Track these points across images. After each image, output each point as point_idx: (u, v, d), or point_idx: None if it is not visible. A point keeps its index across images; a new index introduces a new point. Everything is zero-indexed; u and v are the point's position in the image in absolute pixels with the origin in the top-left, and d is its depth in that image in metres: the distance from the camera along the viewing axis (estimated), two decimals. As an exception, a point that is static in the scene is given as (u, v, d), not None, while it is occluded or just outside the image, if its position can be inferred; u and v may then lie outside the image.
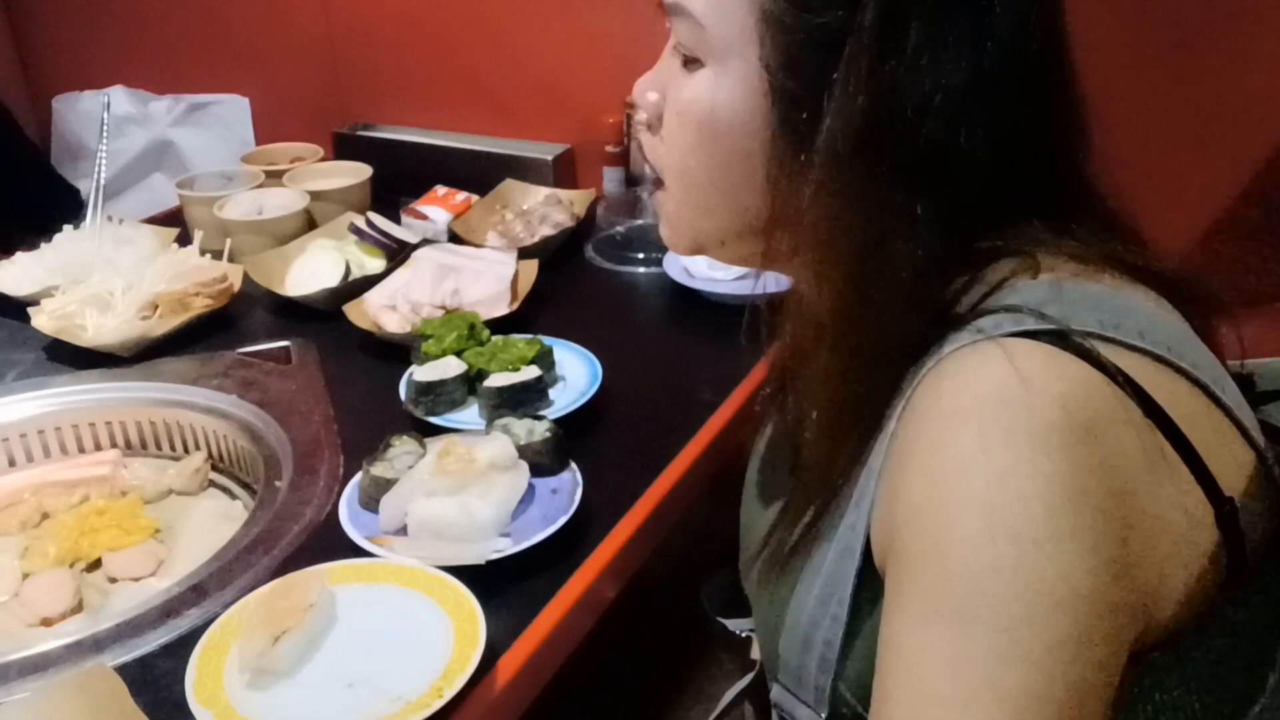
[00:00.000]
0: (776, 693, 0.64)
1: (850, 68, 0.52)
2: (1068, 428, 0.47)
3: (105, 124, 1.46)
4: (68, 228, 1.36)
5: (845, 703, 0.58)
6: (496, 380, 1.00)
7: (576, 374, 1.07)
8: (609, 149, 1.61)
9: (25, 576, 0.91)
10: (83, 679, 0.69)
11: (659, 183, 0.66)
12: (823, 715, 0.59)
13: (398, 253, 1.34)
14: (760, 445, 0.80)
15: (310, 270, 1.31)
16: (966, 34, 0.53)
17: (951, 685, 0.46)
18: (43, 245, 1.33)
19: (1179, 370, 0.52)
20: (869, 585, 0.56)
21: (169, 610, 0.79)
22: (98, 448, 1.09)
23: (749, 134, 0.58)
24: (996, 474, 0.47)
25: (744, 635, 0.89)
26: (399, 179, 1.58)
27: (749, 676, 0.87)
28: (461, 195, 1.53)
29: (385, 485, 0.85)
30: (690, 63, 0.60)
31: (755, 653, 0.90)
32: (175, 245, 1.35)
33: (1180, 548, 0.49)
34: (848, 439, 0.57)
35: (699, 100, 0.59)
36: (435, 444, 0.90)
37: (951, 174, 0.54)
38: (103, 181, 1.40)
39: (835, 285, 0.56)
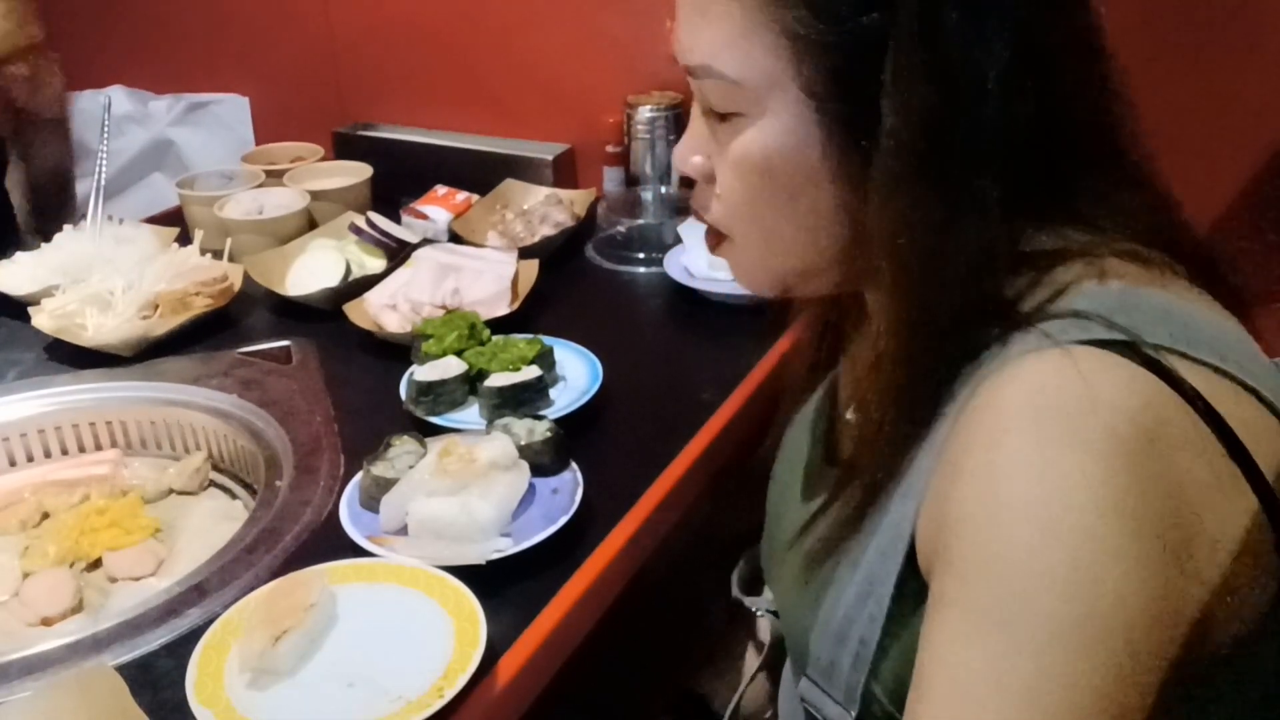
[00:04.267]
0: (805, 687, 0.63)
1: (898, 65, 0.52)
2: (1134, 443, 0.46)
3: (106, 124, 1.46)
4: (68, 228, 1.36)
5: (877, 702, 0.58)
6: (497, 380, 1.00)
7: (577, 374, 1.07)
8: (609, 149, 1.61)
9: (25, 576, 0.91)
10: (83, 678, 0.69)
11: (718, 236, 0.66)
12: (853, 714, 0.59)
13: (398, 252, 1.34)
14: (791, 435, 0.79)
15: (310, 270, 1.31)
16: (1005, 10, 0.52)
17: (990, 694, 0.45)
18: (43, 245, 1.33)
19: (1244, 385, 0.51)
20: (911, 586, 0.55)
21: (169, 610, 0.79)
22: (98, 447, 1.09)
23: (810, 166, 0.57)
24: (1056, 484, 0.46)
25: (759, 614, 0.88)
26: (399, 179, 1.58)
27: (761, 657, 0.87)
28: (461, 195, 1.53)
29: (385, 485, 0.85)
30: (728, 116, 0.59)
31: (763, 633, 0.90)
32: (175, 245, 1.36)
33: (1237, 567, 0.48)
34: (898, 435, 0.56)
35: (751, 150, 0.59)
36: (436, 444, 0.90)
37: (1011, 156, 0.53)
38: (103, 181, 1.40)
39: (907, 284, 0.55)
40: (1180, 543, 0.46)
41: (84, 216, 1.38)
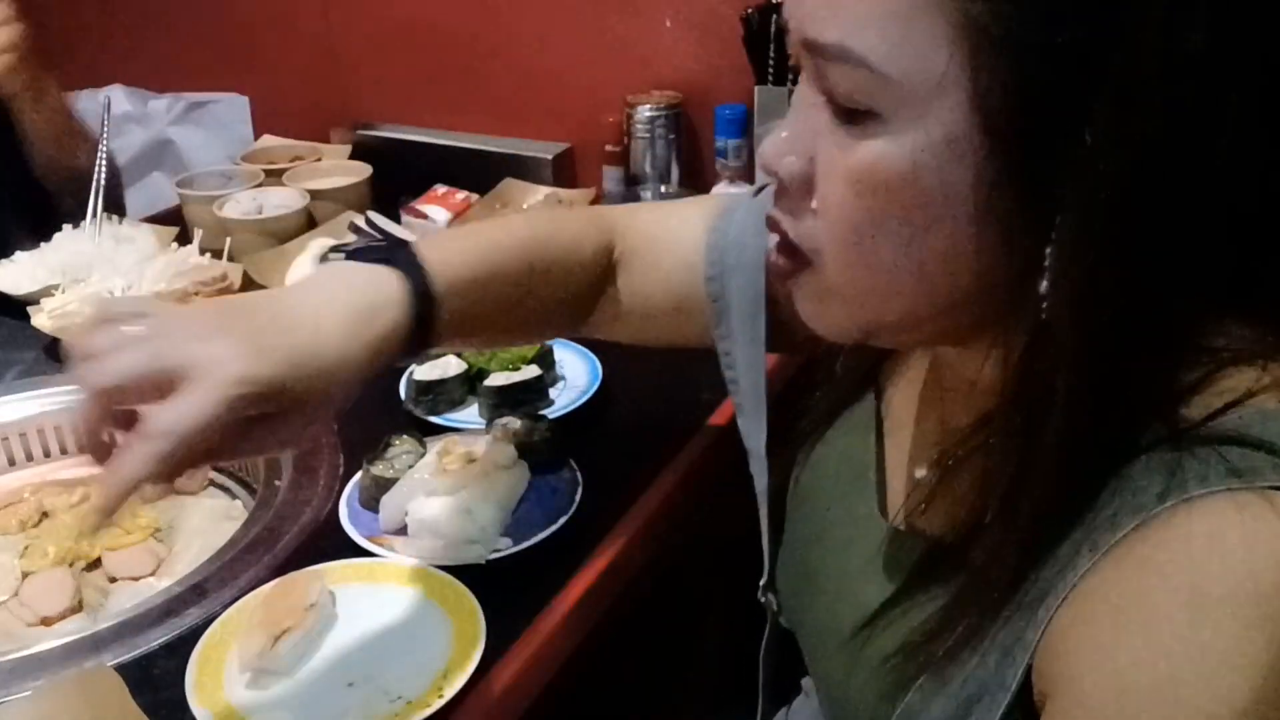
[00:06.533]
0: None
1: (1122, 87, 0.41)
2: None
3: (106, 123, 1.46)
4: (67, 227, 1.36)
5: None
6: (496, 379, 1.00)
7: (576, 373, 1.07)
8: (609, 148, 1.60)
9: (25, 576, 0.91)
10: (83, 678, 0.69)
11: (800, 260, 0.53)
12: None
13: (398, 252, 1.34)
14: (824, 457, 0.71)
15: (310, 269, 1.31)
16: (1262, 26, 0.41)
17: None
18: (43, 245, 1.33)
19: None
20: (1017, 715, 0.48)
21: (169, 610, 0.79)
22: (97, 447, 1.09)
23: (952, 197, 0.45)
24: (1259, 688, 0.39)
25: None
26: (399, 178, 1.58)
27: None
28: (461, 194, 1.52)
29: (385, 485, 0.85)
30: (857, 116, 0.47)
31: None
32: (175, 244, 1.35)
33: None
34: (1035, 543, 0.48)
35: (883, 164, 0.46)
36: (435, 443, 0.90)
37: (1228, 219, 0.44)
38: (103, 181, 1.40)
39: (1078, 371, 0.45)
40: None
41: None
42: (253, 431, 0.58)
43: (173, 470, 0.56)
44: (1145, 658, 0.41)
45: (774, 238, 0.54)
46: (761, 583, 0.79)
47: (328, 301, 0.60)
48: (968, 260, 0.47)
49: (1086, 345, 0.44)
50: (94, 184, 1.39)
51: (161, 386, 0.55)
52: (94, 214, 1.37)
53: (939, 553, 0.56)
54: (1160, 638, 0.41)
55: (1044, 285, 0.45)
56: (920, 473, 0.62)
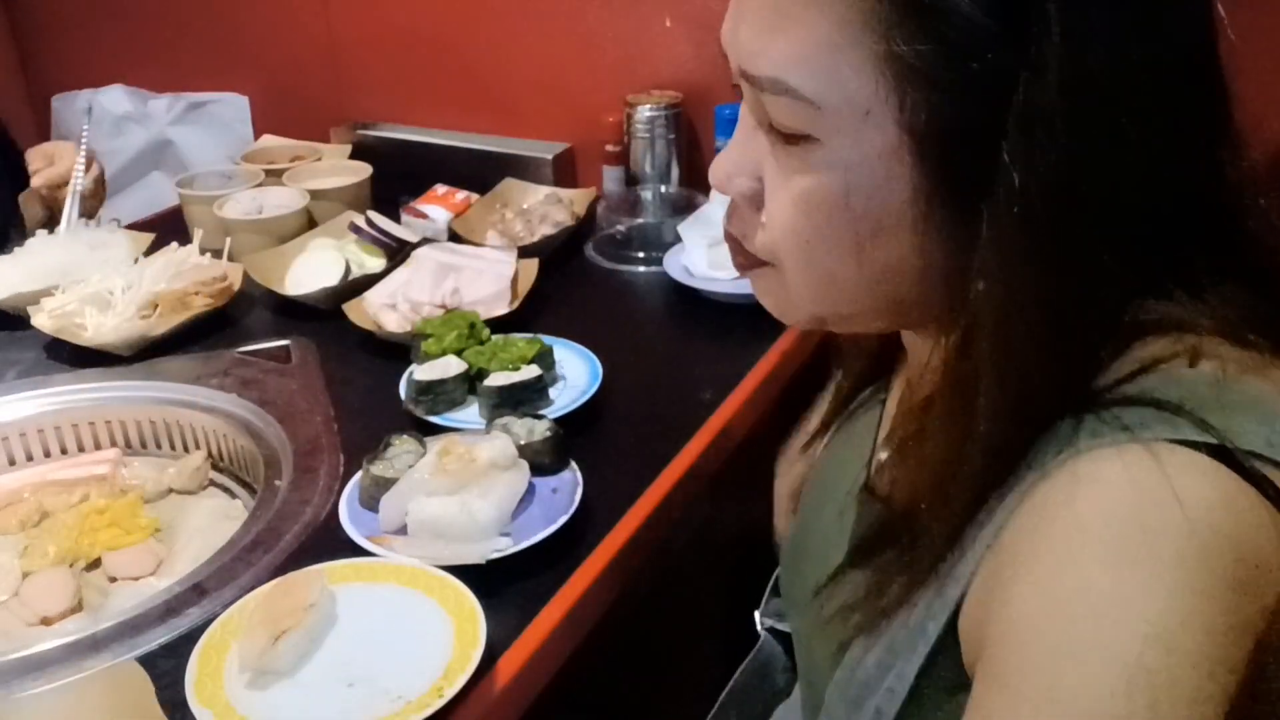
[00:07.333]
0: None
1: (1033, 114, 0.44)
2: (1233, 571, 0.41)
3: (85, 129, 1.45)
4: (41, 233, 1.34)
5: None
6: (496, 379, 1.00)
7: (576, 373, 1.07)
8: (609, 148, 1.61)
9: (25, 576, 0.91)
10: (113, 674, 0.70)
11: (753, 260, 0.57)
12: None
13: (397, 252, 1.34)
14: (837, 440, 0.75)
15: (310, 269, 1.31)
16: (1158, 57, 0.45)
17: None
18: (15, 250, 1.31)
19: None
20: (943, 668, 0.50)
21: (169, 610, 0.79)
22: (98, 447, 1.09)
23: (891, 210, 0.49)
24: (1145, 620, 0.40)
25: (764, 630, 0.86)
26: (399, 178, 1.58)
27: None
28: (461, 194, 1.52)
29: (385, 484, 0.85)
30: (795, 139, 0.51)
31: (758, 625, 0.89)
32: (175, 245, 1.35)
33: None
34: (963, 518, 0.51)
35: (823, 184, 0.50)
36: (435, 443, 0.90)
37: (1145, 216, 0.47)
38: (79, 187, 1.39)
39: (1005, 362, 0.48)
40: (1246, 681, 0.41)
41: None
42: None
43: None
44: (1033, 597, 0.43)
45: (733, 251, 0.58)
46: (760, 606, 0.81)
47: None
48: (912, 266, 0.51)
49: (1006, 343, 0.47)
50: (70, 189, 1.39)
51: None
52: (68, 219, 1.36)
53: (892, 520, 0.59)
54: (1045, 578, 0.43)
55: (980, 285, 0.48)
56: (885, 449, 0.66)
